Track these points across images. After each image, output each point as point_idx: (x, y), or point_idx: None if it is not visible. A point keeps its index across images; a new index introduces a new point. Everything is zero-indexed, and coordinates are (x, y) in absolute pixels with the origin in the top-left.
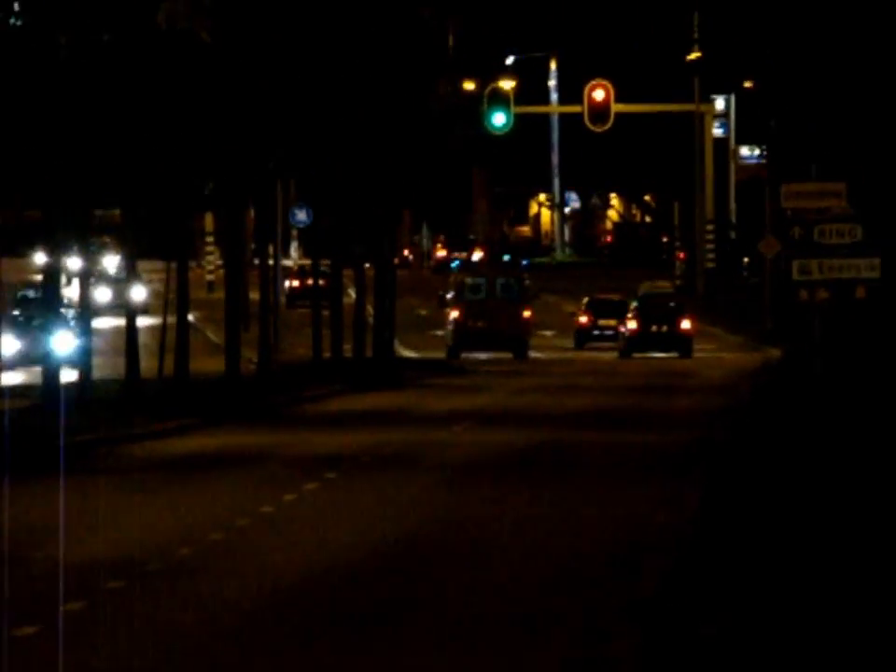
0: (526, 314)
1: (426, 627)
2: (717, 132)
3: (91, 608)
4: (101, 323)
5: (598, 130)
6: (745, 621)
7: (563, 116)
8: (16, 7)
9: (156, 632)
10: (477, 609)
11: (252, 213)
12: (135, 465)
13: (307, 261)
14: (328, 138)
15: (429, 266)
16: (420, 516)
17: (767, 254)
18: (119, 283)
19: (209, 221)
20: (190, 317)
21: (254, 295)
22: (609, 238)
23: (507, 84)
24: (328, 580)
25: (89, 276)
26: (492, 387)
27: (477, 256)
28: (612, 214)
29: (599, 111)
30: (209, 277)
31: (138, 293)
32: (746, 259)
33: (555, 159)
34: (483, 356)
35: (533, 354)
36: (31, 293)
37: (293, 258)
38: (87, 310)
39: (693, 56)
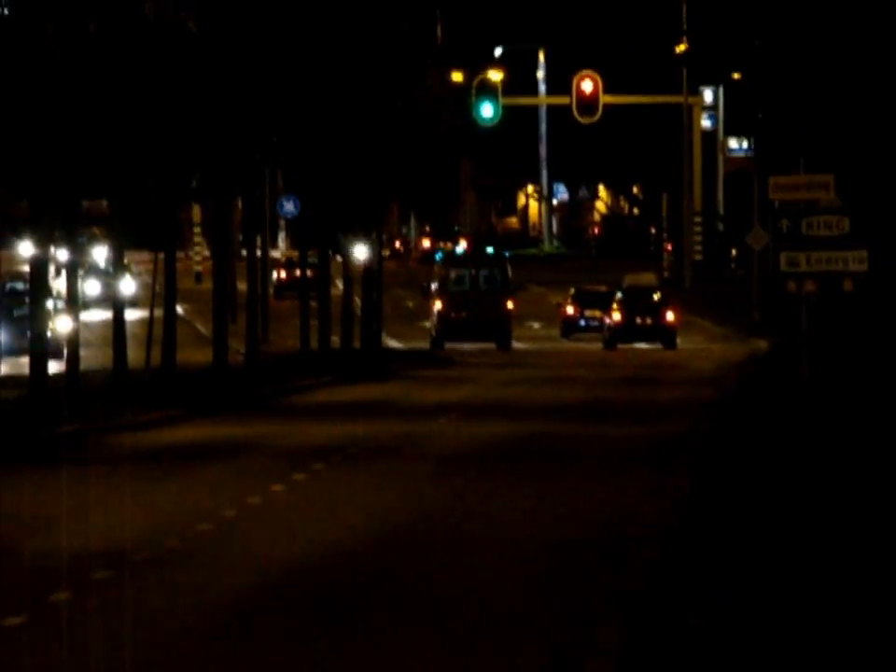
0: (509, 305)
1: (413, 617)
2: (705, 124)
3: (78, 598)
4: (90, 315)
5: (586, 121)
6: (731, 612)
7: (551, 107)
8: None
9: (143, 622)
10: (464, 600)
11: (240, 204)
12: (123, 455)
13: (295, 252)
14: (315, 129)
15: (415, 257)
16: (408, 507)
17: (755, 246)
18: (109, 275)
19: (196, 212)
20: (179, 310)
21: (241, 286)
22: (596, 230)
23: (495, 75)
24: (315, 570)
25: (76, 268)
26: (479, 379)
27: (461, 247)
28: (600, 205)
29: (587, 103)
30: (197, 268)
31: (127, 286)
32: (734, 252)
33: (543, 150)
34: (466, 346)
35: (517, 344)
36: (19, 285)
37: (281, 249)
38: (74, 302)
39: (682, 48)
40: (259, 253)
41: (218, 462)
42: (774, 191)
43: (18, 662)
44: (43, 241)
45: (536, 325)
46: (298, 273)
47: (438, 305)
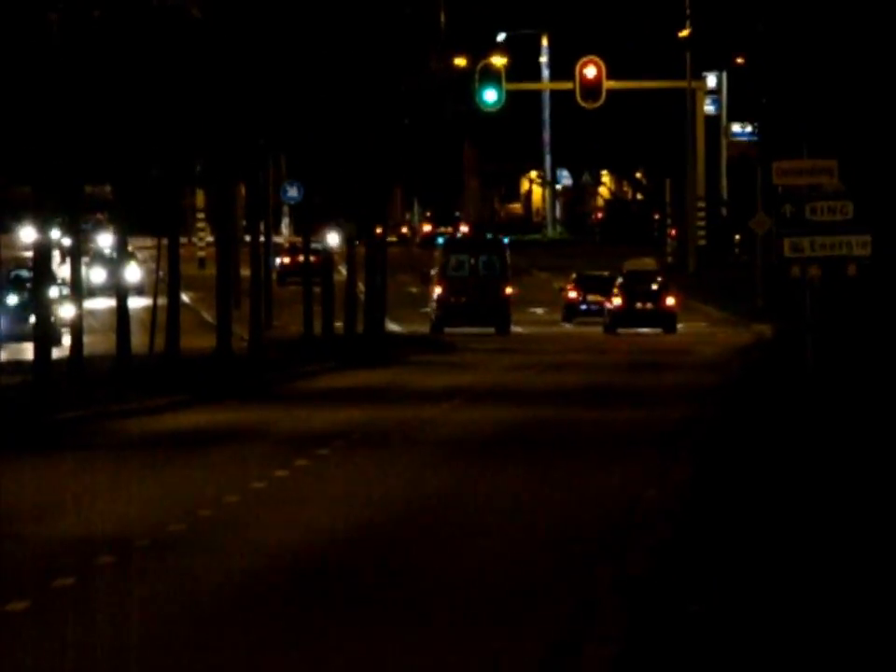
0: (508, 290)
1: (414, 602)
2: (708, 109)
3: (81, 583)
4: (95, 303)
5: (590, 107)
6: (733, 599)
7: (554, 93)
8: None
9: (146, 607)
10: (464, 585)
11: (243, 189)
12: (126, 441)
13: (298, 238)
14: (319, 115)
15: (416, 243)
16: (411, 493)
17: (758, 231)
18: (114, 262)
19: (200, 198)
20: (185, 297)
21: (245, 272)
22: (600, 215)
23: (498, 61)
24: (317, 556)
25: (80, 254)
26: (482, 364)
27: (461, 233)
28: (603, 191)
29: (591, 88)
30: (200, 254)
31: (133, 273)
32: (737, 237)
33: (547, 136)
34: (466, 331)
35: (518, 329)
36: (24, 272)
37: (284, 234)
38: (78, 288)
39: (685, 33)
40: (262, 239)
41: (222, 448)
42: (777, 176)
43: (22, 647)
44: (45, 226)
45: (539, 310)
46: (301, 258)
47: (437, 290)
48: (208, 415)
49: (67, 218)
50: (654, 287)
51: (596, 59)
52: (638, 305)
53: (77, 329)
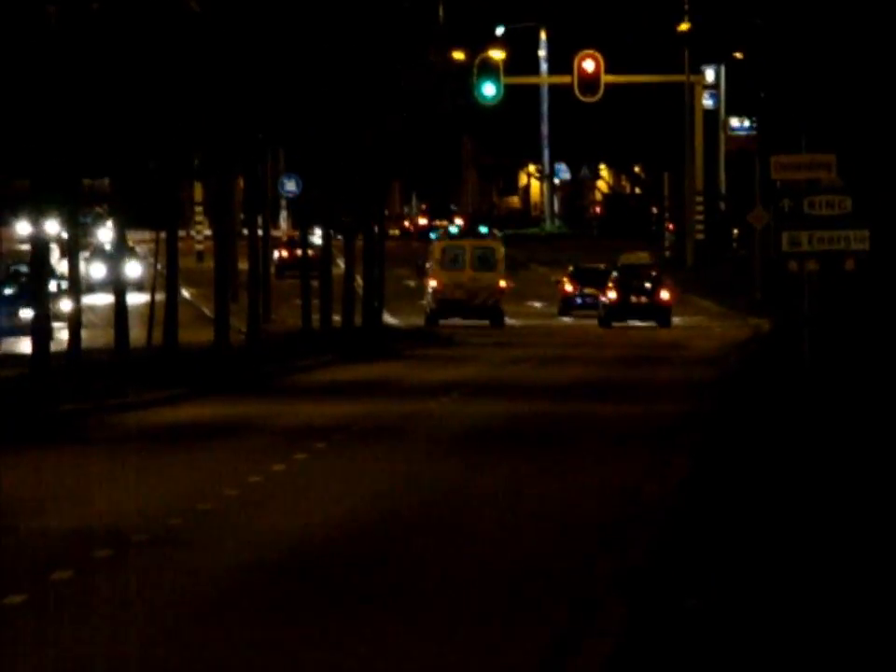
0: (502, 283)
1: (412, 598)
2: (707, 103)
3: (79, 577)
4: (95, 299)
5: (588, 100)
6: (730, 593)
7: (552, 86)
8: None
9: (144, 601)
10: (463, 580)
11: (241, 183)
12: (124, 434)
13: (296, 231)
14: (317, 108)
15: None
16: (408, 487)
17: (757, 225)
18: (114, 257)
19: (198, 191)
20: (185, 293)
21: (243, 265)
22: (598, 209)
23: (496, 54)
24: (314, 550)
25: (78, 247)
26: (480, 358)
27: (455, 226)
28: (602, 185)
29: (589, 82)
30: (199, 247)
31: (133, 269)
32: (735, 231)
33: (545, 129)
34: (460, 323)
35: (512, 321)
36: (23, 267)
37: (282, 228)
38: (76, 281)
39: (684, 27)
40: (260, 232)
41: (220, 441)
42: (776, 171)
43: (18, 640)
44: (43, 220)
45: (537, 304)
46: (299, 252)
47: (432, 283)
48: (206, 409)
49: (65, 212)
50: (649, 280)
51: (595, 53)
52: (633, 299)
53: (74, 322)
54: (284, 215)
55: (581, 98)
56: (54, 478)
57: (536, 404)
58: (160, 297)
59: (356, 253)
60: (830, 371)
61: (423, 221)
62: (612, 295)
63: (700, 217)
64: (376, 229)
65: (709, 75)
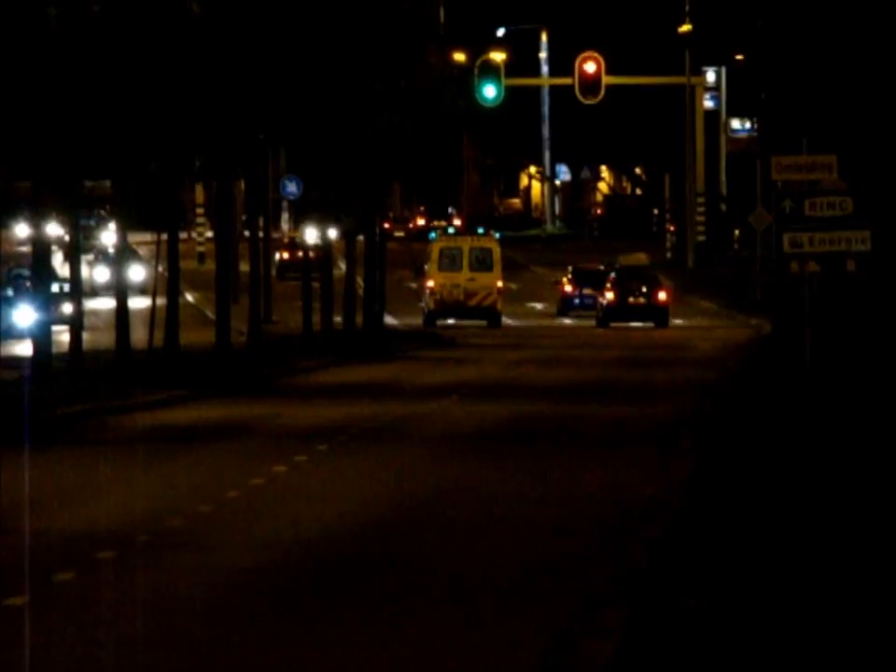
0: (499, 284)
1: (413, 599)
2: (708, 104)
3: (81, 578)
4: (99, 303)
5: (589, 102)
6: (729, 594)
7: (553, 88)
8: None
9: (145, 602)
10: (465, 581)
11: (242, 185)
12: (125, 436)
13: (297, 233)
14: (318, 110)
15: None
16: (410, 488)
17: (758, 227)
18: (122, 267)
19: (199, 193)
20: (189, 297)
21: (244, 267)
22: (599, 210)
23: (497, 56)
24: (315, 552)
25: (79, 249)
26: (482, 360)
27: (453, 227)
28: (603, 186)
29: (590, 83)
30: (200, 249)
31: (137, 273)
32: (736, 232)
33: (546, 131)
34: (456, 323)
35: (510, 321)
36: (25, 271)
37: (283, 230)
38: (77, 283)
39: (685, 28)
40: (261, 234)
41: (220, 443)
42: (777, 172)
43: (20, 642)
44: (44, 222)
45: (538, 305)
46: (300, 253)
47: (430, 284)
48: (207, 410)
49: (67, 214)
50: (647, 281)
51: (596, 54)
52: (631, 300)
53: (76, 324)
54: (285, 216)
55: (582, 99)
56: (55, 479)
57: (537, 405)
58: (162, 300)
59: (357, 254)
60: (831, 372)
61: (421, 222)
62: (610, 296)
63: (701, 219)
64: (377, 230)
65: (710, 76)
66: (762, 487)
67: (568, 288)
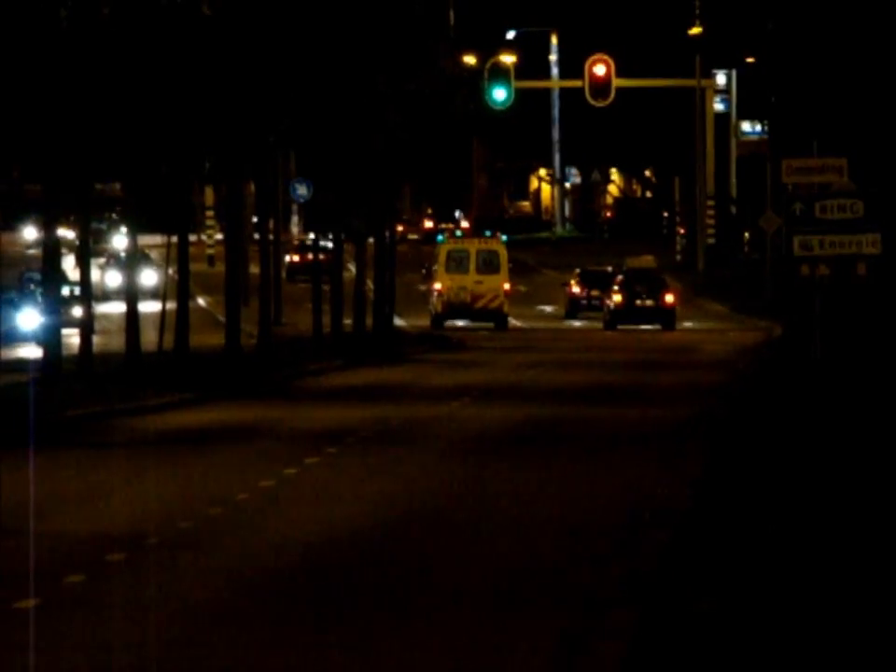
0: (506, 286)
1: (424, 601)
2: (718, 107)
3: (91, 580)
4: (110, 307)
5: (599, 105)
6: (739, 597)
7: (564, 91)
8: None
9: (156, 605)
10: (476, 582)
11: (252, 187)
12: (135, 438)
13: (307, 236)
14: (328, 112)
15: (418, 239)
16: (421, 491)
17: (768, 229)
18: (133, 270)
19: (209, 195)
20: (201, 301)
21: (254, 269)
22: (609, 213)
23: (507, 59)
24: (325, 554)
25: (89, 252)
26: (491, 362)
27: (461, 229)
28: (613, 189)
29: (600, 86)
30: (210, 251)
31: (149, 277)
32: (747, 235)
33: (556, 134)
34: (464, 325)
35: (519, 324)
36: (37, 275)
37: (293, 232)
38: (87, 286)
39: (695, 31)
40: (271, 236)
41: (231, 445)
42: (787, 174)
43: (32, 645)
44: (55, 224)
45: (548, 308)
46: (310, 256)
47: (437, 286)
48: (217, 413)
49: (78, 216)
50: (654, 284)
51: (606, 57)
52: (638, 302)
53: (85, 327)
54: (295, 219)
55: (593, 102)
56: (65, 481)
57: (547, 408)
58: (173, 303)
59: (367, 257)
60: (841, 375)
61: (429, 225)
62: (617, 298)
63: (711, 221)
64: (387, 233)
65: (720, 79)
66: (772, 489)
67: (576, 290)
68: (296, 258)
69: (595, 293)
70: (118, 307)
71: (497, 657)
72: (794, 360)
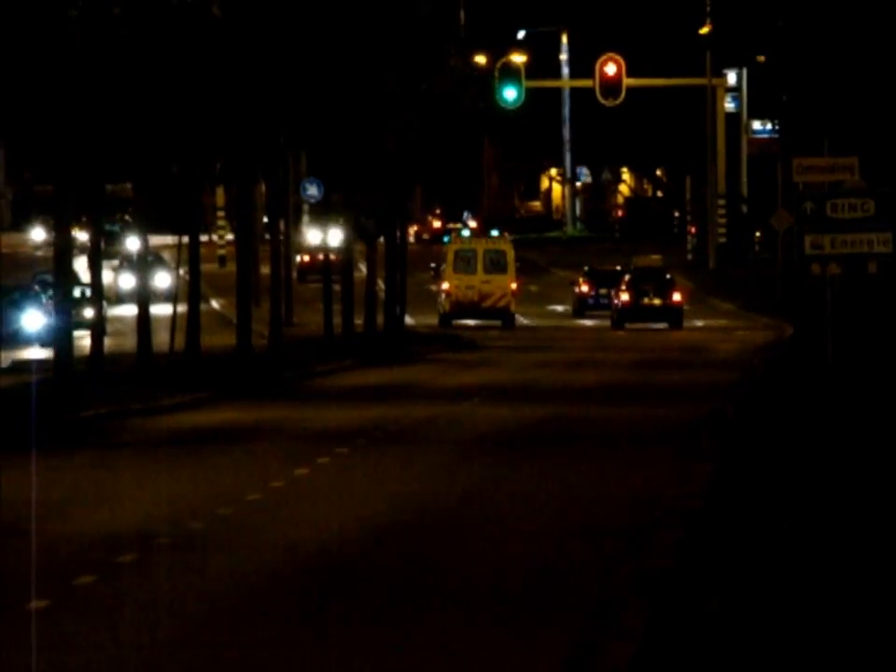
0: (513, 285)
1: (436, 602)
2: (729, 106)
3: (102, 581)
4: (125, 310)
5: (610, 104)
6: (750, 597)
7: (574, 90)
8: None
9: (167, 606)
10: (489, 583)
11: (263, 187)
12: (146, 439)
13: (318, 236)
14: (338, 112)
15: (427, 239)
16: (431, 492)
17: (779, 228)
18: (141, 266)
19: (220, 196)
20: (215, 304)
21: (265, 269)
22: (620, 213)
23: (518, 58)
24: (339, 554)
25: (100, 252)
26: (501, 362)
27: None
28: (623, 188)
29: (611, 85)
30: (221, 251)
31: (163, 279)
32: (758, 234)
33: (567, 133)
34: (473, 323)
35: (527, 322)
36: (50, 277)
37: (304, 232)
38: (99, 287)
39: (705, 30)
40: (282, 237)
41: (242, 445)
42: (798, 173)
43: (42, 646)
44: (67, 225)
45: (559, 308)
46: (321, 256)
47: (445, 285)
48: (228, 413)
49: (89, 217)
50: (661, 282)
51: (617, 56)
52: (645, 300)
53: (97, 329)
54: (306, 219)
55: (603, 101)
56: (77, 482)
57: (559, 408)
58: (185, 304)
59: (377, 257)
60: (853, 374)
61: (437, 224)
62: (625, 297)
63: (722, 220)
64: (398, 233)
65: (731, 78)
66: (784, 489)
67: (584, 289)
68: (307, 258)
69: (602, 291)
70: (131, 310)
71: (509, 658)
72: (806, 359)
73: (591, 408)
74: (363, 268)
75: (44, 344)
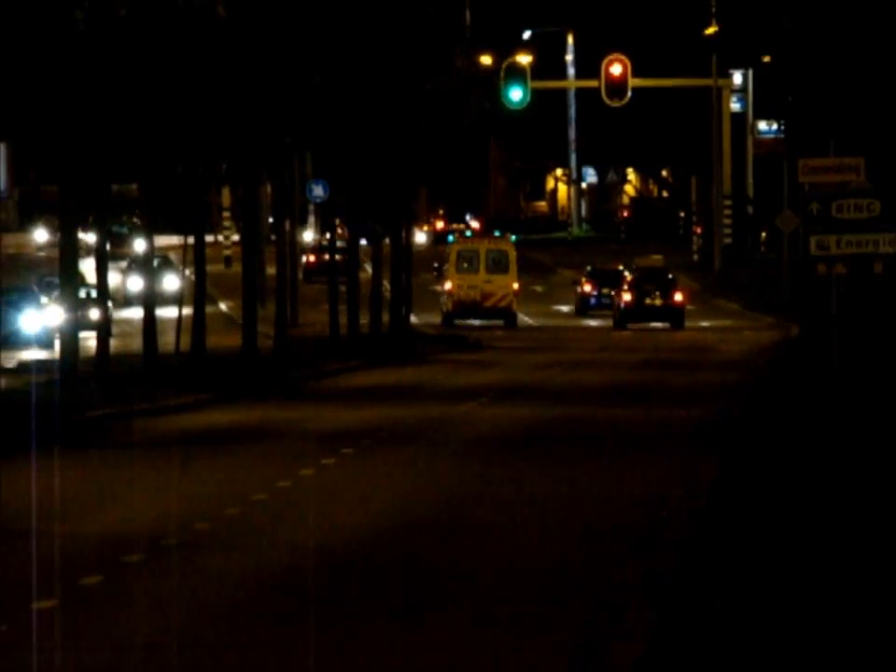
0: (515, 285)
1: (442, 600)
2: (734, 106)
3: (109, 581)
4: (133, 312)
5: (615, 104)
6: (755, 597)
7: (580, 91)
8: None
9: (173, 605)
10: (494, 583)
11: (269, 188)
12: (152, 439)
13: (324, 236)
14: (344, 113)
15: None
16: (437, 492)
17: (785, 229)
18: (151, 271)
19: (226, 196)
20: (223, 306)
21: (271, 270)
22: (625, 213)
23: (524, 59)
24: (344, 554)
25: (106, 253)
26: (507, 363)
27: (472, 229)
28: (629, 189)
29: (616, 86)
30: (226, 252)
31: (171, 282)
32: (763, 234)
33: (572, 134)
34: (476, 323)
35: (530, 321)
36: (55, 279)
37: (310, 233)
38: (104, 289)
39: (711, 30)
40: (287, 237)
41: (248, 446)
42: (804, 174)
43: (49, 646)
44: (72, 226)
45: (564, 308)
46: (327, 257)
47: (448, 285)
48: (234, 414)
49: (94, 217)
50: (663, 282)
51: (622, 56)
52: (647, 301)
53: (102, 330)
54: (311, 220)
55: (609, 102)
56: (83, 482)
57: (564, 408)
58: (191, 303)
59: (383, 258)
60: (858, 374)
61: (440, 225)
62: (627, 297)
63: (728, 221)
64: (403, 233)
65: (737, 78)
66: (789, 490)
67: (587, 288)
68: (312, 258)
69: (605, 291)
70: (139, 312)
71: (515, 657)
72: (811, 359)
73: (597, 409)
74: (368, 268)
75: (42, 346)
